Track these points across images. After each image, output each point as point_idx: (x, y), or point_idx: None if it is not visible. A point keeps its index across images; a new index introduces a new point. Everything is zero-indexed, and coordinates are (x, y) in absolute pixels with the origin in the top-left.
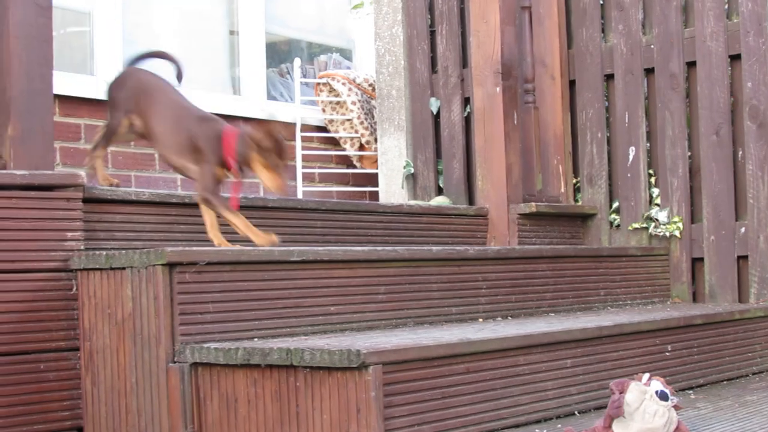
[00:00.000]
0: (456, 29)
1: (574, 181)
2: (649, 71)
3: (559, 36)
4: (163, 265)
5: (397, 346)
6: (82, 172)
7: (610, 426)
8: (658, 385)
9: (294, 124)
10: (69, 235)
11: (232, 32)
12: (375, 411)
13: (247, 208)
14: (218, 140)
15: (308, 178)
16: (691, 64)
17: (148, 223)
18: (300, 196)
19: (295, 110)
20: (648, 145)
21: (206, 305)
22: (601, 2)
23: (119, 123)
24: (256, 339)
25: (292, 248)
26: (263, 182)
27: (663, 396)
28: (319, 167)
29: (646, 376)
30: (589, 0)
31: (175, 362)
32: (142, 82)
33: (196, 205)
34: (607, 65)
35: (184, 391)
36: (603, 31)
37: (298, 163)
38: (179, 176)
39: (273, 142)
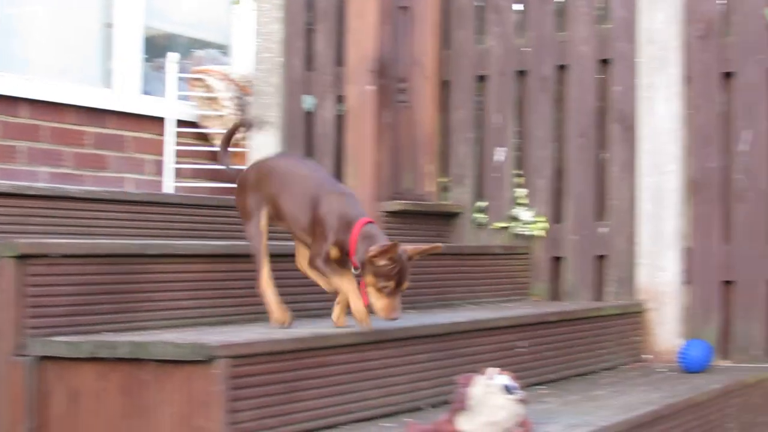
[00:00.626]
0: (334, 27)
1: (444, 180)
2: (523, 74)
3: (436, 36)
4: (14, 257)
5: (247, 339)
6: None
7: (453, 419)
8: (505, 379)
9: (162, 119)
10: None
11: (108, 25)
12: (220, 404)
13: (107, 202)
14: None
15: (181, 174)
16: (564, 68)
17: (4, 215)
18: (168, 191)
19: (169, 105)
20: (519, 147)
21: (57, 298)
22: (482, 5)
23: None
24: (105, 333)
25: (149, 242)
26: (370, 301)
27: (509, 389)
28: (192, 163)
29: (494, 370)
30: (466, 2)
31: (19, 355)
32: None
33: (57, 198)
34: (481, 67)
35: (27, 385)
36: (480, 33)
37: (170, 158)
38: (44, 169)
39: (393, 267)
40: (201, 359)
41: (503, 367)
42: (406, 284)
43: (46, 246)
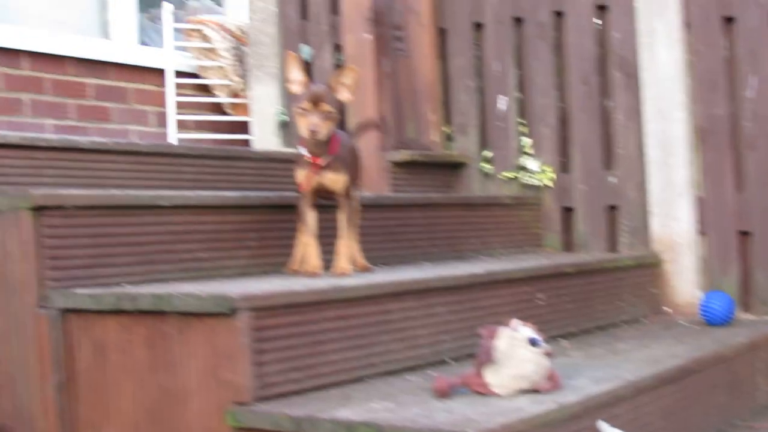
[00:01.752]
0: None
1: (447, 129)
2: (519, 20)
3: None
4: (30, 208)
5: (267, 291)
6: None
7: (480, 372)
8: (528, 331)
9: (163, 71)
10: None
11: None
12: (245, 357)
13: (116, 153)
14: None
15: (181, 126)
16: (561, 14)
17: (16, 167)
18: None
19: (167, 56)
20: (521, 95)
21: (75, 250)
22: None
23: None
24: (126, 285)
25: (161, 193)
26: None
27: (534, 342)
28: (192, 114)
29: (517, 322)
30: None
31: (43, 308)
32: None
33: (67, 150)
34: (477, 14)
35: (53, 337)
36: None
37: (172, 110)
38: (49, 121)
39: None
40: (224, 311)
41: (523, 319)
42: (324, 106)
43: (61, 197)
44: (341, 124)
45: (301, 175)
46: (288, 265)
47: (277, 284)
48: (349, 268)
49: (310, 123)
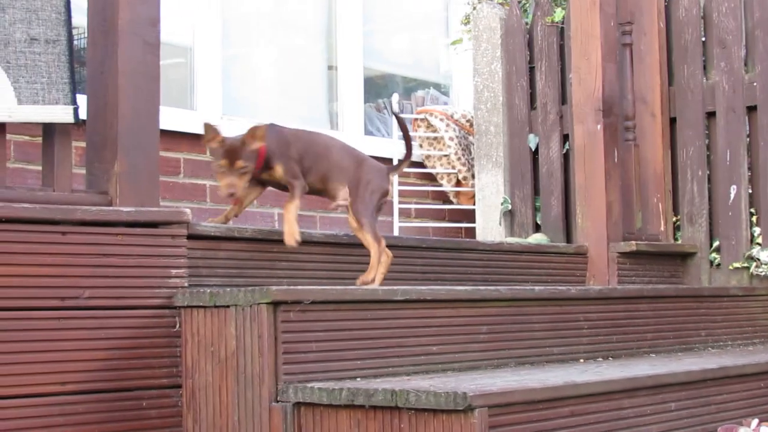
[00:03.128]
0: (555, 66)
1: (674, 219)
2: (752, 109)
3: (660, 73)
4: (267, 303)
5: (502, 388)
6: (186, 209)
7: None
8: (767, 430)
9: (391, 160)
10: (173, 272)
11: (330, 67)
12: None
13: (349, 246)
14: None
15: (404, 214)
16: None
17: (251, 260)
18: (396, 232)
19: (393, 145)
20: (750, 184)
21: (310, 344)
22: (703, 39)
23: None
24: (358, 379)
25: (395, 288)
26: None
27: None
28: (416, 203)
29: (755, 421)
30: (691, 37)
31: (278, 401)
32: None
33: (302, 242)
34: (709, 103)
35: (286, 430)
36: (704, 68)
37: (395, 198)
38: (277, 211)
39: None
40: (459, 408)
41: (755, 415)
42: (238, 162)
43: (298, 293)
44: None
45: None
46: None
47: (510, 379)
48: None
49: (226, 184)
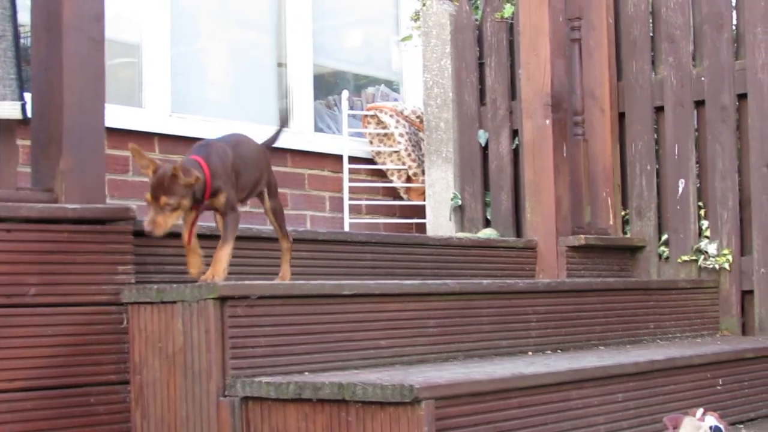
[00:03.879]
0: (505, 62)
1: (623, 213)
2: (700, 103)
3: (608, 68)
4: (214, 299)
5: (449, 381)
6: (133, 206)
7: None
8: (712, 420)
9: (341, 157)
10: (120, 268)
11: (280, 64)
12: None
13: (297, 241)
14: None
15: (355, 210)
16: (742, 96)
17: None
18: (347, 227)
19: (343, 142)
20: (698, 177)
21: (257, 339)
22: (651, 35)
23: None
24: (306, 373)
25: (343, 282)
26: None
27: (717, 431)
28: (366, 199)
29: (700, 410)
30: (640, 32)
31: (225, 396)
32: None
33: (245, 239)
34: (657, 97)
35: (234, 425)
36: (653, 63)
37: (345, 194)
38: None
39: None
40: (405, 401)
41: (701, 405)
42: (162, 199)
43: (246, 287)
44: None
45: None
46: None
47: (458, 372)
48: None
49: (147, 220)
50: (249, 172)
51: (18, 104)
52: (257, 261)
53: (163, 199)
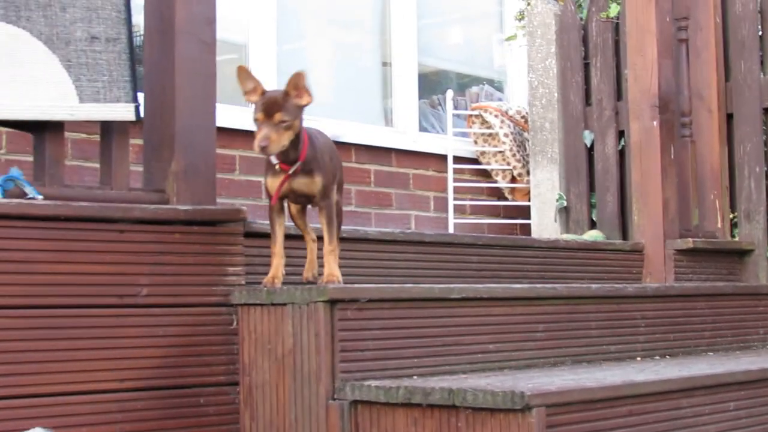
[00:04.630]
0: (610, 62)
1: (731, 216)
2: None
3: (716, 69)
4: (324, 301)
5: (560, 387)
6: (244, 207)
7: None
8: None
9: (445, 156)
10: (230, 269)
11: (384, 63)
12: None
13: (404, 243)
14: None
15: (459, 210)
16: None
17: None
18: (451, 228)
19: (447, 142)
20: None
21: (366, 342)
22: (760, 34)
23: None
24: (415, 377)
25: (452, 286)
26: None
27: None
28: (471, 199)
29: None
30: (748, 32)
31: (335, 399)
32: None
33: (356, 240)
34: (766, 98)
35: (344, 428)
36: (762, 63)
37: (450, 195)
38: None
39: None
40: (516, 408)
41: None
42: (278, 115)
43: (355, 291)
44: None
45: (271, 183)
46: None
47: (568, 378)
48: (339, 275)
49: (260, 137)
50: (335, 160)
51: (132, 106)
52: (364, 263)
53: (278, 116)
